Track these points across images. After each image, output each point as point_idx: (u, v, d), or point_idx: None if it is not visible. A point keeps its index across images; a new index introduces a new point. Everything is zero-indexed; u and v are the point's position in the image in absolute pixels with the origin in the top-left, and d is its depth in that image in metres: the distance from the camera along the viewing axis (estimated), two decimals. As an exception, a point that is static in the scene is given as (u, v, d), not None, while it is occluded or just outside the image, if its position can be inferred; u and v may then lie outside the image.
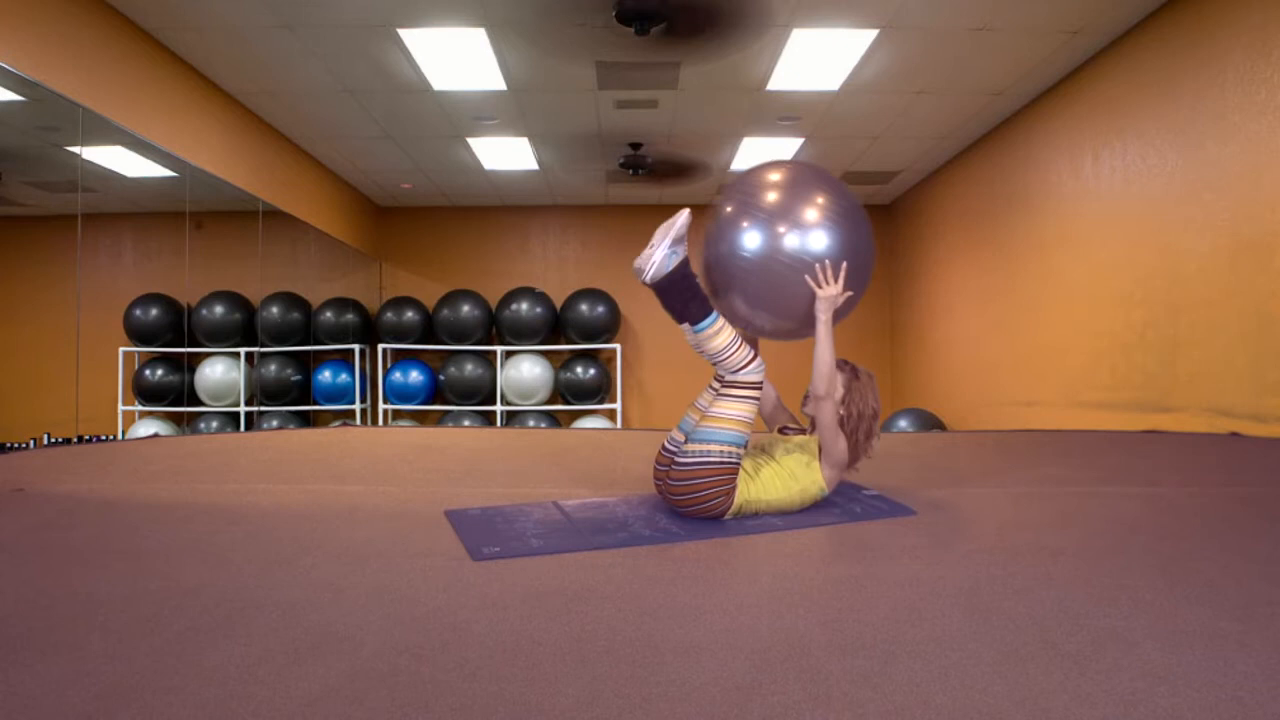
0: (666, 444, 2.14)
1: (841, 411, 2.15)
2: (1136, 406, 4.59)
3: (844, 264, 2.06)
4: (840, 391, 2.16)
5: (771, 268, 2.07)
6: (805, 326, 2.13)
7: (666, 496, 2.09)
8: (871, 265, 2.20)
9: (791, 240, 2.06)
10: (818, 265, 2.05)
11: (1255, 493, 2.46)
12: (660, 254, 2.04)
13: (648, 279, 2.06)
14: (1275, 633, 1.29)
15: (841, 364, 2.20)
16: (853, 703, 1.05)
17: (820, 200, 2.11)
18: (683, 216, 2.08)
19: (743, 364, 2.06)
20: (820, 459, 2.13)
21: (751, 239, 2.08)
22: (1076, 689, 1.08)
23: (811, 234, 2.06)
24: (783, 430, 2.35)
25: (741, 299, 2.13)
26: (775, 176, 2.17)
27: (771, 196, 2.12)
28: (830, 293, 2.06)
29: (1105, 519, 2.11)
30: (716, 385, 2.14)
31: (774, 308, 2.13)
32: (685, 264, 2.08)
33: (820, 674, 1.14)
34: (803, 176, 2.17)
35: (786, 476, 2.10)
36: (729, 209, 2.17)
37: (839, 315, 2.12)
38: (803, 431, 2.31)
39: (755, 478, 2.09)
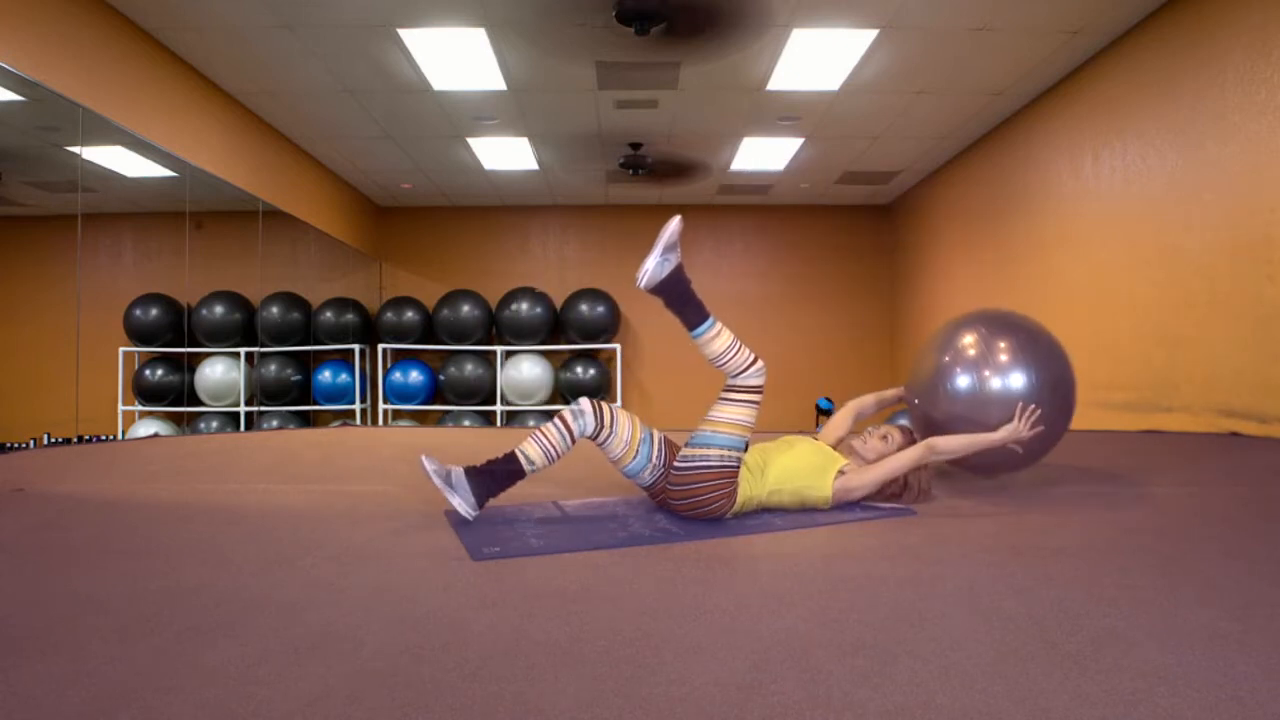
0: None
1: (910, 481, 2.24)
2: (1136, 406, 4.59)
3: (1038, 410, 2.25)
4: (902, 478, 2.24)
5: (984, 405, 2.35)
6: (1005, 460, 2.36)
7: (667, 501, 2.09)
8: (1060, 427, 2.42)
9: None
10: (1020, 405, 2.26)
11: (1255, 493, 2.46)
12: (653, 261, 2.06)
13: (642, 285, 2.08)
14: (1275, 633, 1.29)
15: (906, 429, 2.33)
16: (853, 703, 1.05)
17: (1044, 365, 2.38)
18: (673, 224, 2.09)
19: (743, 367, 2.07)
20: (836, 478, 2.15)
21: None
22: (1076, 689, 1.08)
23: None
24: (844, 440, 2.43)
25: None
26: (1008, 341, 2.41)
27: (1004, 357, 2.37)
28: (1017, 430, 2.23)
29: (1105, 519, 2.11)
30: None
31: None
32: (679, 270, 2.09)
33: (820, 674, 1.14)
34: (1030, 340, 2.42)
35: (797, 473, 2.12)
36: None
37: (1019, 460, 2.35)
38: (842, 440, 2.38)
39: (765, 473, 2.10)
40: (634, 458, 2.06)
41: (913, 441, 2.29)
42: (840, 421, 2.47)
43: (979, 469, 2.53)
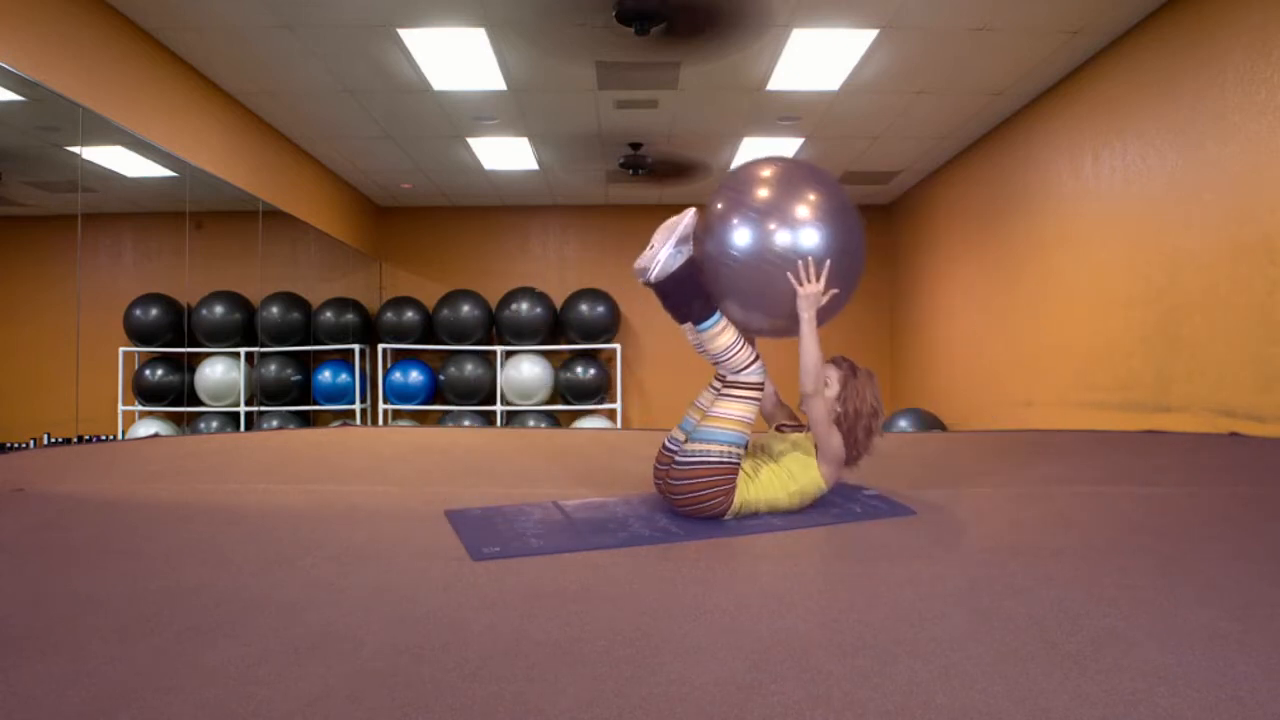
0: (667, 443, 2.14)
1: (838, 409, 2.15)
2: (1136, 406, 4.59)
3: (827, 262, 2.04)
4: (835, 388, 2.15)
5: (760, 265, 2.05)
6: (796, 324, 2.11)
7: (666, 496, 2.09)
8: (861, 265, 2.18)
9: (781, 237, 2.03)
10: (800, 263, 2.03)
11: (1255, 493, 2.46)
12: (665, 253, 2.04)
13: (652, 278, 2.06)
14: (1275, 633, 1.29)
15: (839, 360, 2.19)
16: (853, 703, 1.05)
17: (811, 197, 2.08)
18: (688, 216, 2.08)
19: (745, 365, 2.06)
20: (817, 456, 2.12)
21: (741, 236, 2.06)
22: (1076, 689, 1.08)
23: (801, 231, 2.04)
24: (780, 428, 2.35)
25: (733, 297, 2.11)
26: (767, 173, 2.14)
27: (762, 193, 2.10)
28: (811, 290, 2.04)
29: (1105, 519, 2.11)
30: (718, 385, 2.14)
31: (764, 306, 2.11)
32: (690, 263, 2.08)
33: (820, 674, 1.14)
34: (794, 173, 2.16)
35: (785, 476, 2.10)
36: (719, 206, 2.14)
37: (826, 314, 2.10)
38: (800, 428, 2.31)
39: (755, 478, 2.08)
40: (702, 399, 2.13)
41: (851, 369, 2.20)
42: (768, 410, 2.38)
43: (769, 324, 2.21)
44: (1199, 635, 1.27)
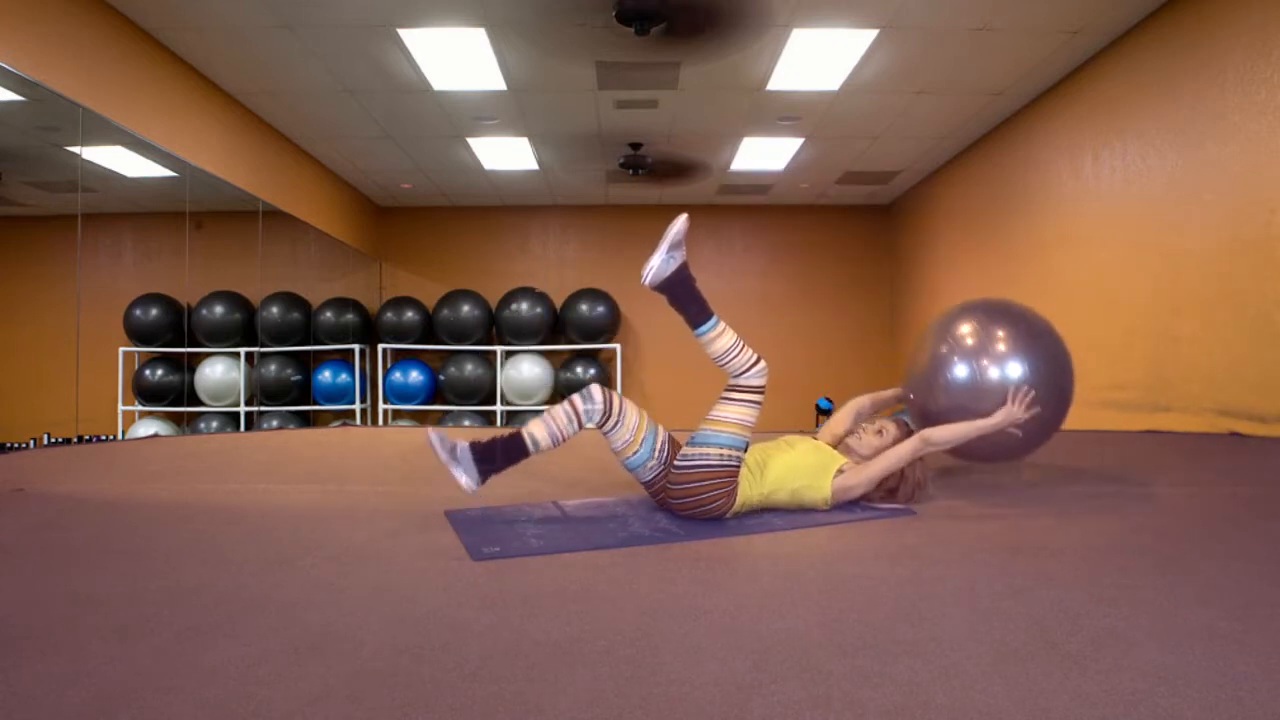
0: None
1: (895, 483, 2.22)
2: (1136, 406, 4.59)
3: (1032, 391, 2.23)
4: (895, 474, 2.21)
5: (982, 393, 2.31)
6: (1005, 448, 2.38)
7: (666, 500, 2.09)
8: (1063, 408, 2.42)
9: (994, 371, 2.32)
10: (1013, 387, 2.24)
11: (1255, 493, 2.46)
12: (658, 259, 2.06)
13: (647, 283, 2.09)
14: (1275, 633, 1.29)
15: (900, 422, 2.34)
16: (853, 702, 1.05)
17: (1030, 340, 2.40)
18: (679, 222, 2.09)
19: (746, 367, 2.07)
20: (835, 477, 2.14)
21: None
22: (1076, 689, 1.08)
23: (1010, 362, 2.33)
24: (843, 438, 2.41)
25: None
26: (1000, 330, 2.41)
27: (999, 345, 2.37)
28: (1013, 412, 2.21)
29: (1105, 519, 2.11)
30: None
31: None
32: (683, 268, 2.09)
33: (820, 674, 1.14)
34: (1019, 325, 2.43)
35: (791, 473, 2.11)
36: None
37: (1018, 446, 2.35)
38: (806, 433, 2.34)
39: (764, 473, 2.09)
40: (637, 451, 2.06)
41: (907, 433, 2.29)
42: (839, 422, 2.46)
43: (978, 456, 2.50)
44: (1199, 635, 1.27)
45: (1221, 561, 1.71)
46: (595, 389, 2.06)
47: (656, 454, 2.06)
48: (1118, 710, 1.03)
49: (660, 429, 2.11)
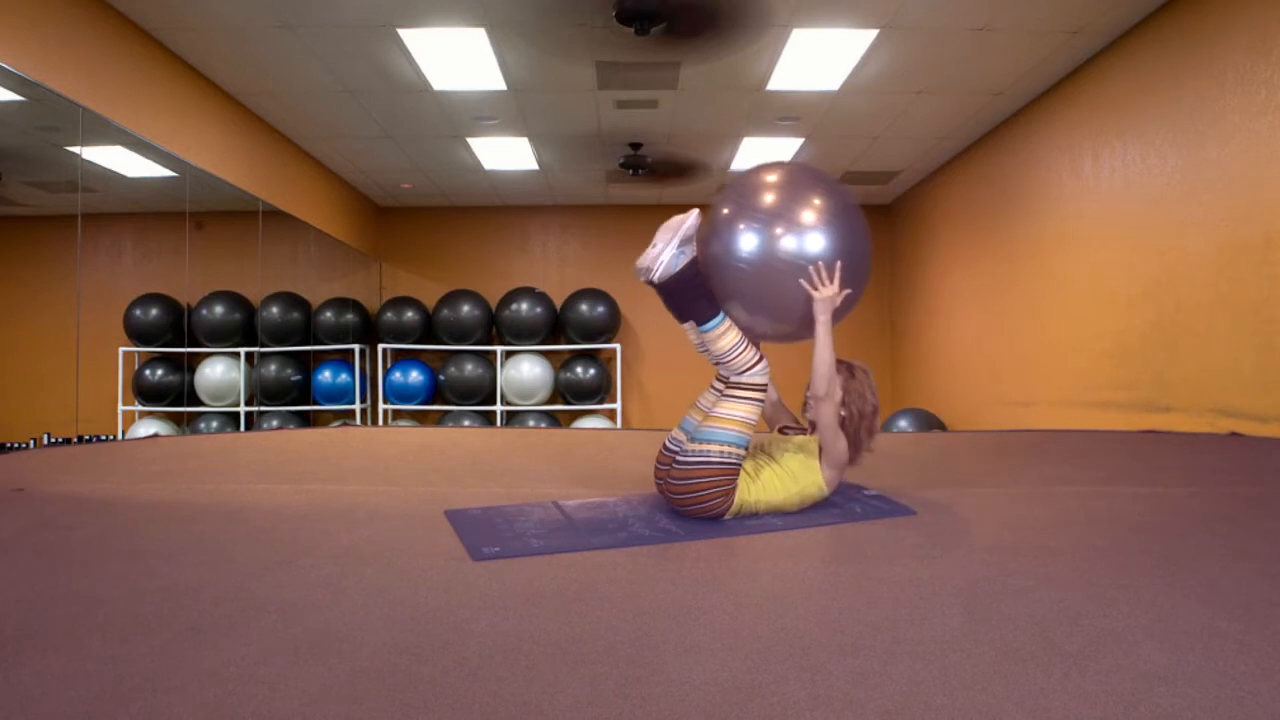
0: (668, 443, 2.14)
1: (842, 412, 2.15)
2: (1136, 406, 4.59)
3: (839, 264, 2.04)
4: (839, 393, 2.15)
5: (768, 270, 2.04)
6: (804, 329, 2.11)
7: (667, 496, 2.09)
8: (868, 264, 2.18)
9: (788, 242, 2.03)
10: (812, 267, 2.03)
11: (1255, 493, 2.46)
12: (669, 253, 2.04)
13: (656, 278, 2.06)
14: (1275, 633, 1.29)
15: (837, 363, 2.19)
16: (853, 702, 1.05)
17: (816, 201, 2.09)
18: (691, 217, 2.08)
19: (748, 366, 2.06)
20: (820, 459, 2.12)
21: (747, 241, 2.06)
22: (1076, 689, 1.08)
23: (808, 235, 2.04)
24: (783, 430, 2.35)
25: (739, 302, 2.10)
26: (771, 178, 2.15)
27: (767, 198, 2.10)
28: (827, 294, 2.03)
29: (1105, 519, 2.11)
30: (719, 386, 2.14)
31: (772, 310, 2.11)
32: (693, 264, 2.08)
33: (820, 674, 1.14)
34: (798, 177, 2.15)
35: (787, 478, 2.10)
36: (725, 211, 2.13)
37: (838, 315, 2.10)
38: (803, 431, 2.31)
39: (756, 479, 2.08)
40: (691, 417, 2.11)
41: (848, 369, 2.18)
42: (769, 412, 2.39)
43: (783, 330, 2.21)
44: (1199, 635, 1.27)
45: (1221, 561, 1.70)
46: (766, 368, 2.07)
47: (688, 432, 2.10)
48: (1118, 710, 1.03)
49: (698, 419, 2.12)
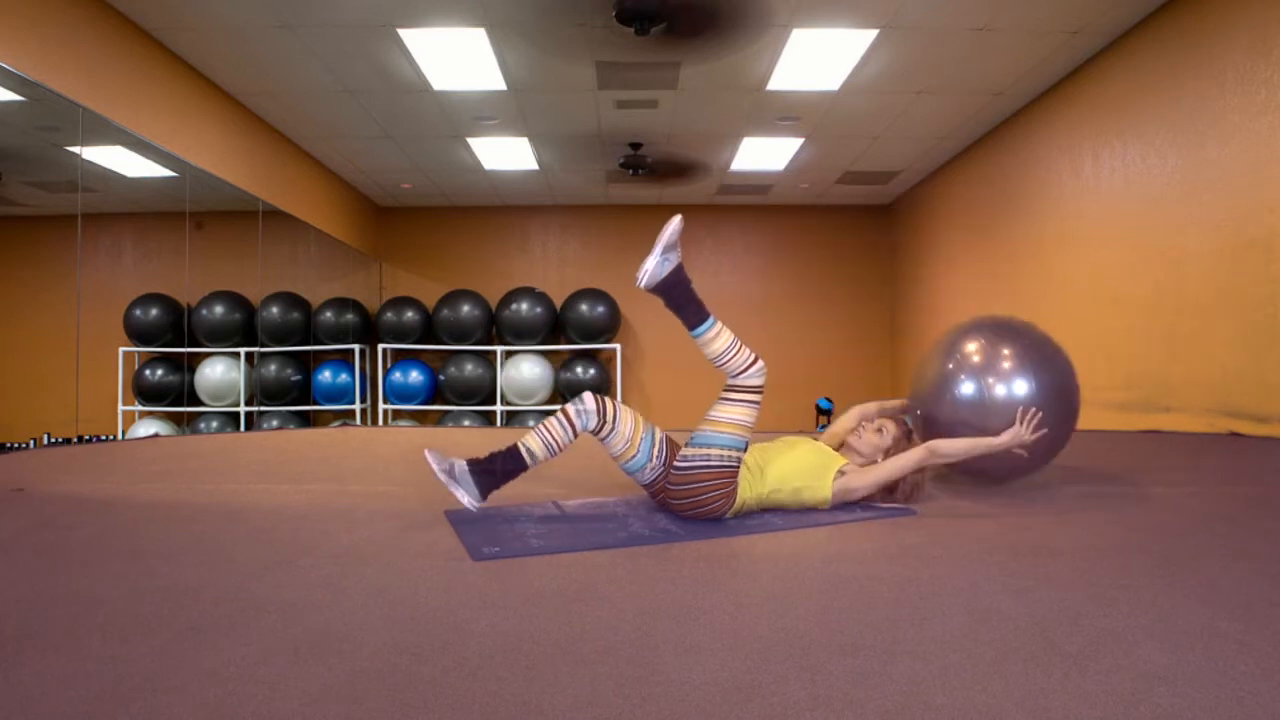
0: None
1: (912, 478, 2.23)
2: (1136, 406, 4.59)
3: (1039, 413, 2.23)
4: (899, 476, 2.21)
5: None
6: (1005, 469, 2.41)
7: (666, 501, 2.09)
8: (1069, 423, 2.43)
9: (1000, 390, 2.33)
10: (1021, 409, 2.24)
11: (1255, 493, 2.46)
12: (652, 261, 2.06)
13: (642, 285, 2.08)
14: (1275, 633, 1.29)
15: (900, 419, 2.32)
16: (853, 702, 1.05)
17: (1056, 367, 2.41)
18: (673, 223, 2.09)
19: (744, 367, 2.07)
20: (836, 479, 2.14)
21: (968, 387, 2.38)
22: (1076, 689, 1.08)
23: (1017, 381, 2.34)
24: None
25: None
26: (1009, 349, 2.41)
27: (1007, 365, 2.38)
28: (1019, 434, 2.21)
29: (1105, 519, 2.11)
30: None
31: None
32: (679, 269, 2.09)
33: (820, 674, 1.14)
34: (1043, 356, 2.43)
35: (794, 473, 2.11)
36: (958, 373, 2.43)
37: (1018, 466, 2.37)
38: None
39: (762, 474, 2.09)
40: (635, 455, 2.06)
41: (908, 434, 2.30)
42: (843, 425, 2.46)
43: (984, 474, 2.52)
44: (1199, 635, 1.27)
45: (1221, 561, 1.71)
46: (588, 396, 2.06)
47: (655, 457, 2.06)
48: (1118, 710, 1.03)
49: (657, 431, 2.11)
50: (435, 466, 2.03)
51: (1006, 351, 2.36)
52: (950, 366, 2.42)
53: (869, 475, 2.15)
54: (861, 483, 2.15)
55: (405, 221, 9.17)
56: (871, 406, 2.55)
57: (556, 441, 2.05)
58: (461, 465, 2.05)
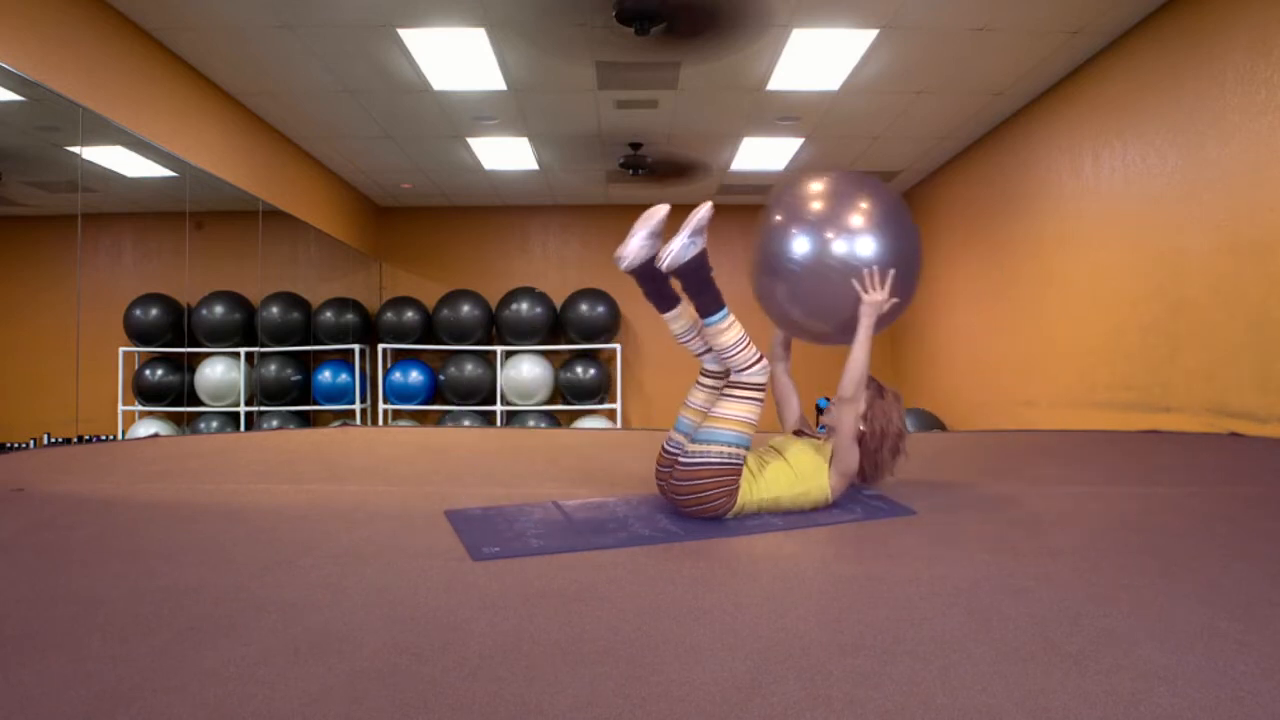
0: (667, 445, 2.14)
1: (862, 427, 2.16)
2: (1136, 406, 4.59)
3: (892, 271, 2.10)
4: (863, 405, 2.16)
5: (821, 273, 2.11)
6: (842, 332, 2.17)
7: (670, 496, 2.09)
8: (918, 274, 2.25)
9: (840, 246, 2.09)
10: (866, 271, 2.09)
11: (1255, 493, 2.46)
12: (679, 242, 2.06)
13: (665, 267, 2.07)
14: (1275, 633, 1.29)
15: (868, 381, 2.22)
16: (853, 702, 1.05)
17: (866, 205, 2.15)
18: (705, 208, 2.10)
19: (749, 363, 2.06)
20: (830, 465, 2.13)
21: (800, 244, 2.12)
22: (1076, 689, 1.08)
23: (859, 239, 2.10)
24: (797, 433, 2.35)
25: (792, 303, 2.18)
26: (822, 185, 2.22)
27: (818, 205, 2.16)
28: (876, 299, 2.10)
29: (1105, 519, 2.11)
30: (706, 382, 2.16)
31: (818, 311, 2.18)
32: (703, 255, 2.09)
33: (820, 674, 1.14)
34: (850, 183, 2.23)
35: (793, 476, 2.10)
36: (778, 216, 2.21)
37: (881, 323, 2.16)
38: (816, 437, 2.32)
39: (760, 476, 2.09)
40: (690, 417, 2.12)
41: (879, 391, 2.21)
42: (792, 404, 2.42)
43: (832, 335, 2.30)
44: (1199, 635, 1.27)
45: (1221, 561, 1.70)
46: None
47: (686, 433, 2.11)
48: (1118, 710, 1.03)
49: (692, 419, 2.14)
50: (656, 219, 2.12)
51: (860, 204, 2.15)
52: (778, 218, 2.23)
53: (838, 437, 2.11)
54: (840, 444, 2.10)
55: (405, 221, 9.17)
56: (776, 345, 2.45)
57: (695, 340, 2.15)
58: (700, 244, 2.06)
